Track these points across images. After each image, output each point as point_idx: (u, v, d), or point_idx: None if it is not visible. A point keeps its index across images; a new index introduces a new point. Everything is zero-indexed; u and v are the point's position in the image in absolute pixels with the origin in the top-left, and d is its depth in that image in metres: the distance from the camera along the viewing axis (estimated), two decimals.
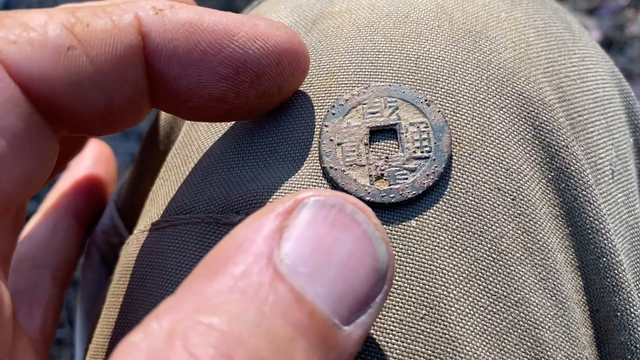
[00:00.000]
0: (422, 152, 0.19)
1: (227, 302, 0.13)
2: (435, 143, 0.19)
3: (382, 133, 0.20)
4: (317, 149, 0.20)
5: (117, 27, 0.17)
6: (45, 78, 0.16)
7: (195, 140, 0.23)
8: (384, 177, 0.19)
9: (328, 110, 0.20)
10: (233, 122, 0.22)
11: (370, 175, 0.19)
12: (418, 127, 0.19)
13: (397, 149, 0.19)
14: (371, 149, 0.19)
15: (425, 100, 0.20)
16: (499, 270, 0.18)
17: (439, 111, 0.20)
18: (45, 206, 0.29)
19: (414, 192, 0.19)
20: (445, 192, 0.19)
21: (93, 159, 0.31)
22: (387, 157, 0.19)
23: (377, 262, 0.15)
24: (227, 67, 0.18)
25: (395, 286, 0.18)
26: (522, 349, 0.18)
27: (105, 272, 0.31)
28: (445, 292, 0.18)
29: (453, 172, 0.19)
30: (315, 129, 0.20)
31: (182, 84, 0.18)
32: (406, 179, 0.19)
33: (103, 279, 0.30)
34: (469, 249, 0.18)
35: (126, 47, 0.17)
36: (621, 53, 1.06)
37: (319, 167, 0.19)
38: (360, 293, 0.14)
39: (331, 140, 0.20)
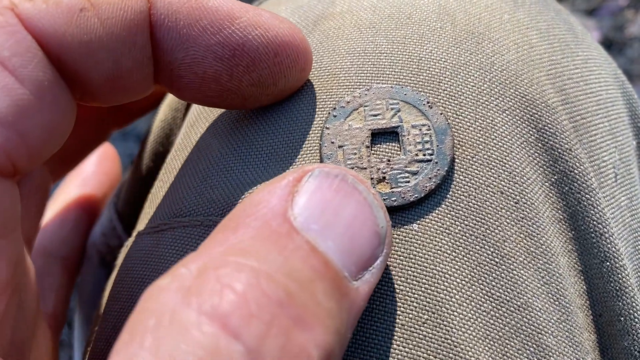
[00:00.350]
0: (424, 154, 0.19)
1: (251, 246, 0.14)
2: (437, 146, 0.19)
3: (384, 135, 0.19)
4: (317, 151, 0.20)
5: None
6: (58, 35, 0.16)
7: (194, 142, 0.22)
8: (386, 180, 0.19)
9: (329, 112, 0.20)
10: (233, 124, 0.21)
11: (372, 178, 0.19)
12: (420, 129, 0.19)
13: (399, 152, 0.19)
14: (373, 152, 0.19)
15: (428, 103, 0.20)
16: (502, 274, 0.18)
17: (441, 113, 0.19)
18: (54, 201, 0.30)
19: (416, 196, 0.18)
20: (448, 195, 0.19)
21: (99, 157, 0.31)
22: (388, 160, 0.19)
23: (377, 226, 0.16)
24: (224, 47, 0.18)
25: (397, 290, 0.18)
26: (525, 354, 0.18)
27: (104, 274, 0.30)
28: (447, 297, 0.18)
29: (455, 174, 0.19)
30: (316, 131, 0.20)
31: (179, 57, 0.18)
32: (408, 182, 0.19)
33: (102, 282, 0.30)
34: (471, 252, 0.18)
35: (136, 12, 0.17)
36: (621, 54, 1.06)
37: None
38: (364, 252, 0.15)
39: (332, 142, 0.19)
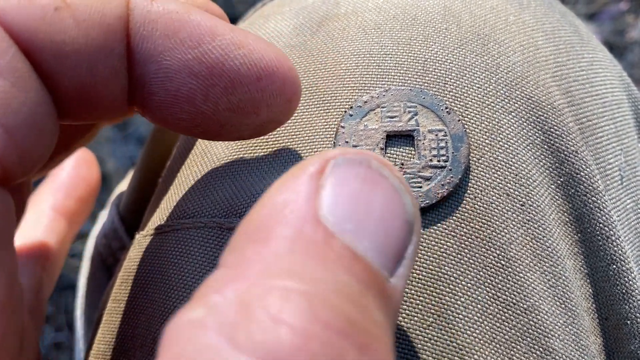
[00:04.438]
0: (438, 160, 0.19)
1: (293, 263, 0.12)
2: (452, 153, 0.19)
3: (399, 138, 0.19)
4: (323, 151, 0.19)
5: None
6: (30, 31, 0.15)
7: (198, 143, 0.22)
8: None
9: (345, 111, 0.20)
10: None
11: None
12: (436, 135, 0.19)
13: (413, 156, 0.19)
14: (387, 154, 0.19)
15: (446, 108, 0.19)
16: (508, 277, 0.18)
17: (459, 120, 0.19)
18: (29, 204, 0.29)
19: (427, 202, 0.18)
20: (453, 198, 0.19)
21: (74, 162, 0.30)
22: (402, 164, 0.19)
23: (406, 213, 0.14)
24: (200, 63, 0.17)
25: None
26: (531, 358, 0.17)
27: (105, 276, 0.30)
28: (453, 299, 0.17)
29: (461, 177, 0.19)
30: (320, 133, 0.20)
31: (151, 69, 0.17)
32: (420, 187, 0.18)
33: (103, 284, 0.30)
34: (477, 255, 0.18)
35: (114, 17, 0.16)
36: (621, 58, 1.06)
37: None
38: (397, 244, 0.14)
39: (346, 142, 0.19)
